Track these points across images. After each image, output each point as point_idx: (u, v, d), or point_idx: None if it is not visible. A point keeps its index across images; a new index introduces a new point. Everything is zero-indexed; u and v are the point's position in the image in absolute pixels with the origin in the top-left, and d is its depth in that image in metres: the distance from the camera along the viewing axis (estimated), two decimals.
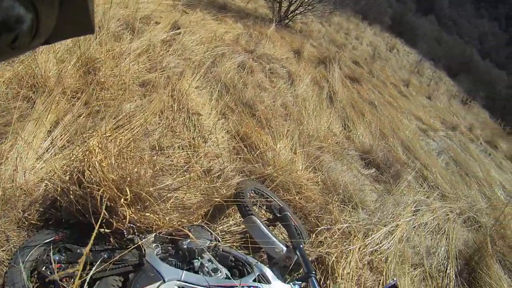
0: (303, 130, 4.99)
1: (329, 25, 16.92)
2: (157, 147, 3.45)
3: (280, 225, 3.09)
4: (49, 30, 0.54)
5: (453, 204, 5.33)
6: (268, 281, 2.06)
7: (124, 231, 2.22)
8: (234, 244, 2.87)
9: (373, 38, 21.30)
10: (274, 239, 2.54)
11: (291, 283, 2.10)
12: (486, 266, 4.09)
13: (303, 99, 6.03)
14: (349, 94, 7.53)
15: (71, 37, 0.60)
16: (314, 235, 3.26)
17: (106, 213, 2.15)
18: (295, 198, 3.52)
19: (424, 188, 5.38)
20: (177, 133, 3.83)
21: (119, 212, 2.27)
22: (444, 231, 4.55)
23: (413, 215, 4.53)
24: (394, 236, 3.80)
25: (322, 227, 3.34)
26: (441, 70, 26.86)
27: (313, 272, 2.13)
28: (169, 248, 2.24)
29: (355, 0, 21.80)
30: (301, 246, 2.40)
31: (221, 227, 2.98)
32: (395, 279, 2.43)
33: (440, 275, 3.82)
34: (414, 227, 4.35)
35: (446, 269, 3.90)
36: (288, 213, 2.92)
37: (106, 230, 2.10)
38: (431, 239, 4.33)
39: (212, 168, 3.54)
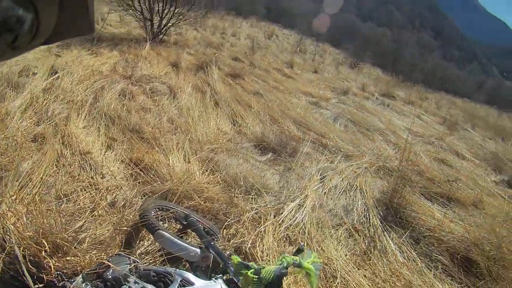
0: (192, 138, 5.05)
1: (204, 30, 17.09)
2: (61, 195, 3.42)
3: (190, 231, 3.18)
4: (49, 30, 0.54)
5: (359, 160, 5.62)
6: (191, 283, 2.13)
7: (55, 280, 2.24)
8: (156, 261, 2.92)
9: (250, 31, 21.72)
10: (186, 245, 2.62)
11: (213, 279, 2.18)
12: (408, 203, 4.38)
13: (187, 108, 6.08)
14: (233, 91, 7.64)
15: (71, 37, 0.59)
16: (225, 230, 3.38)
17: (34, 268, 2.23)
18: (200, 203, 3.61)
19: (325, 155, 5.58)
20: (76, 177, 3.78)
21: (44, 265, 2.34)
22: (357, 187, 4.79)
23: (320, 182, 4.72)
24: (306, 207, 3.97)
25: (230, 220, 3.46)
26: (324, 43, 27.96)
27: (229, 262, 2.23)
28: (97, 283, 2.26)
29: None
30: (213, 243, 2.53)
31: (139, 250, 3.01)
32: (302, 243, 2.56)
33: (365, 226, 4.04)
34: (325, 192, 4.53)
35: (369, 219, 4.13)
36: (194, 218, 3.03)
37: (40, 285, 2.13)
38: (346, 198, 4.54)
39: (116, 199, 3.56)
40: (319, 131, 6.48)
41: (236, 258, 1.72)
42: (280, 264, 1.63)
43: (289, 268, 1.64)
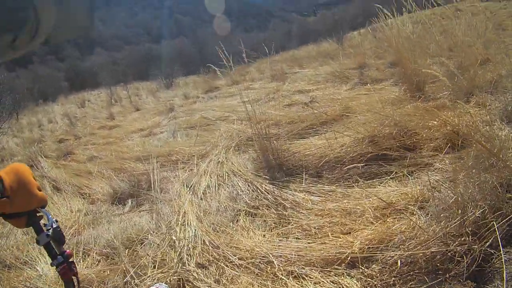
0: None
1: (18, 130, 15.92)
2: None
3: None
4: (48, 30, 0.52)
5: (215, 151, 5.41)
6: None
7: None
8: None
9: (63, 109, 20.85)
10: None
11: None
12: (286, 151, 4.41)
13: None
14: (68, 169, 7.12)
15: (71, 37, 0.53)
16: None
17: None
18: None
19: (182, 168, 5.23)
20: None
21: None
22: (227, 174, 4.57)
23: (191, 192, 4.27)
24: (190, 222, 3.56)
25: None
26: (133, 82, 27.86)
27: None
28: None
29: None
30: None
31: None
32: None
33: (260, 200, 3.78)
34: (201, 198, 4.19)
35: (259, 189, 3.91)
36: None
37: None
38: (226, 189, 4.25)
39: None
40: (163, 153, 6.35)
41: None
42: None
43: None
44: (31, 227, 1.33)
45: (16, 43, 0.51)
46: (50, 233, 1.33)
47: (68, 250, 1.39)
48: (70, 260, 1.38)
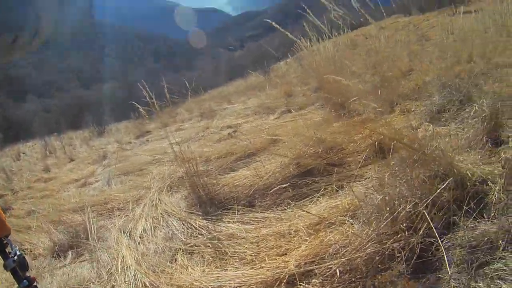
0: None
1: None
2: None
3: None
4: (48, 30, 0.52)
5: (147, 195, 5.40)
6: None
7: None
8: None
9: None
10: None
11: None
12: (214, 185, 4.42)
13: None
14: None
15: (71, 36, 0.41)
16: None
17: None
18: None
19: (117, 216, 5.23)
20: None
21: None
22: (162, 215, 4.59)
23: (130, 239, 4.30)
24: (131, 266, 3.59)
25: None
26: (66, 132, 27.17)
27: None
28: None
29: None
30: None
31: None
32: None
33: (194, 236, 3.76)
34: (138, 242, 4.18)
35: (193, 226, 3.96)
36: None
37: None
38: (161, 230, 4.24)
39: None
40: (99, 201, 6.26)
41: None
42: None
43: None
44: None
45: (17, 43, 0.52)
46: (15, 259, 1.47)
47: (32, 275, 1.52)
48: (34, 284, 1.52)
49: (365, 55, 7.42)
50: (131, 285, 3.27)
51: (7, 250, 1.56)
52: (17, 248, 1.56)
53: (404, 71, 5.98)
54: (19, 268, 1.53)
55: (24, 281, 1.51)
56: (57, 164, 13.51)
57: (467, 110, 3.98)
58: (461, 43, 6.25)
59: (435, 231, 2.18)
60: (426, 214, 2.25)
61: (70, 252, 4.81)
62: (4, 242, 1.55)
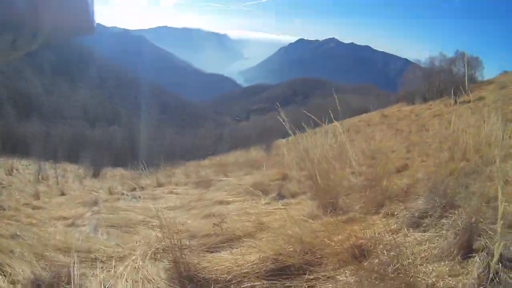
0: None
1: None
2: None
3: None
4: (48, 30, 0.49)
5: (132, 257, 5.64)
6: None
7: None
8: None
9: None
10: None
11: None
12: (197, 265, 4.47)
13: None
14: None
15: (71, 37, 0.50)
16: None
17: None
18: None
19: (100, 268, 5.40)
20: None
21: None
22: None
23: None
24: None
25: None
26: (62, 162, 27.16)
27: None
28: None
29: None
30: None
31: None
32: None
33: None
34: None
35: None
36: None
37: None
38: None
39: None
40: (84, 248, 6.35)
41: None
42: None
43: None
44: None
45: (17, 43, 0.49)
46: None
47: None
48: None
49: (365, 143, 7.44)
50: None
51: None
52: None
53: (398, 166, 6.12)
54: None
55: None
56: (47, 194, 13.46)
57: (449, 216, 4.09)
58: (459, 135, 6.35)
59: None
60: None
61: None
62: None
